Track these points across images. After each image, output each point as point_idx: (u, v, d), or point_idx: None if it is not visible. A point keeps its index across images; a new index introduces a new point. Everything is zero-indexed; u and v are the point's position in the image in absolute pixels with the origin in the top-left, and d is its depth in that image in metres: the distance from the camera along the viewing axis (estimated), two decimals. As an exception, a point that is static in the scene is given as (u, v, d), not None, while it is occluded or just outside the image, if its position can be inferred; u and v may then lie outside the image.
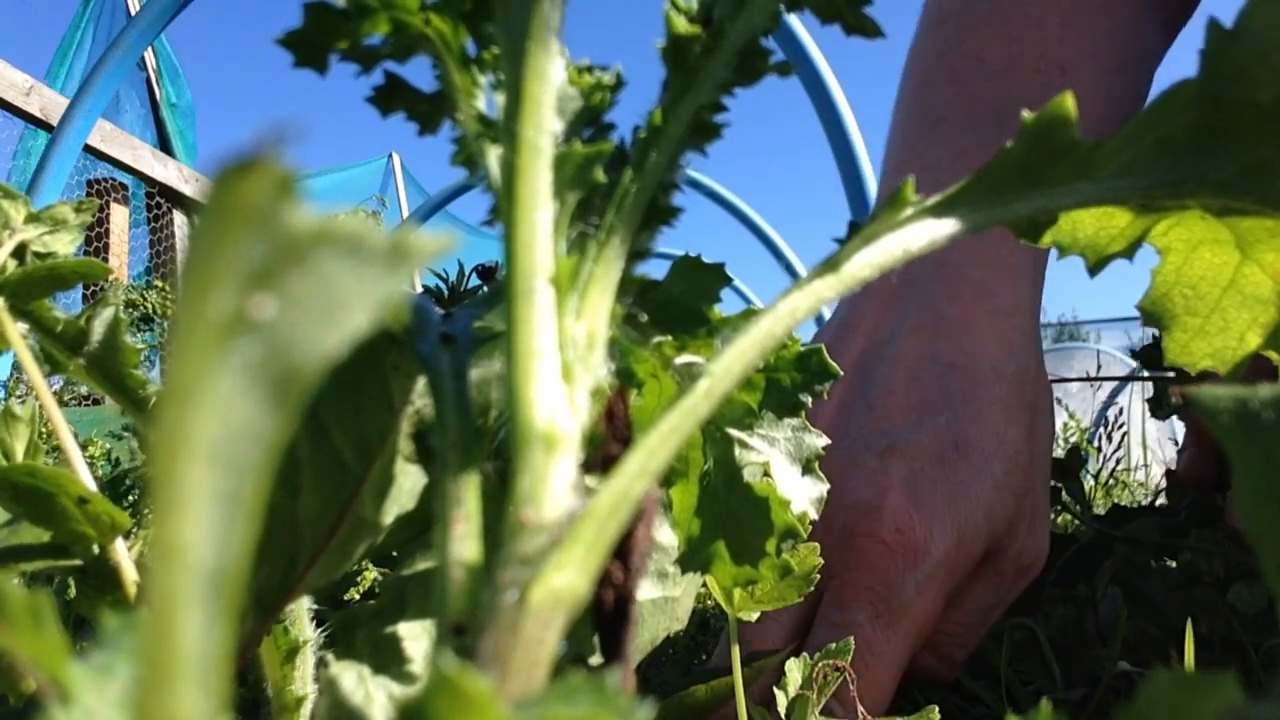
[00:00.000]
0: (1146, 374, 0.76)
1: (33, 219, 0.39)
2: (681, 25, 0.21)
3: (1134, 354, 0.77)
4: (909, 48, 0.72)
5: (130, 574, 0.33)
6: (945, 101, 0.63)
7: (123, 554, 0.33)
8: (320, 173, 5.93)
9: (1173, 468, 0.76)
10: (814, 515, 0.29)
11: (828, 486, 0.30)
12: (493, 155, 0.20)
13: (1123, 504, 0.78)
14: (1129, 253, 0.24)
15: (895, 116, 0.69)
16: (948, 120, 0.61)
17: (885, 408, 0.52)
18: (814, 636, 0.48)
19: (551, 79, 0.19)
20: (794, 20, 1.81)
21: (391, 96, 0.23)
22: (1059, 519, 1.02)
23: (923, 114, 0.64)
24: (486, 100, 0.21)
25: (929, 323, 0.54)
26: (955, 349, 0.53)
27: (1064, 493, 0.75)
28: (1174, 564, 0.69)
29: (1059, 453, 0.75)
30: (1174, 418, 0.82)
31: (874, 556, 0.47)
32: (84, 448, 1.54)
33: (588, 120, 0.21)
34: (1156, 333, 0.75)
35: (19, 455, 0.35)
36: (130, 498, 0.76)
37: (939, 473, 0.49)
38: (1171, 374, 0.77)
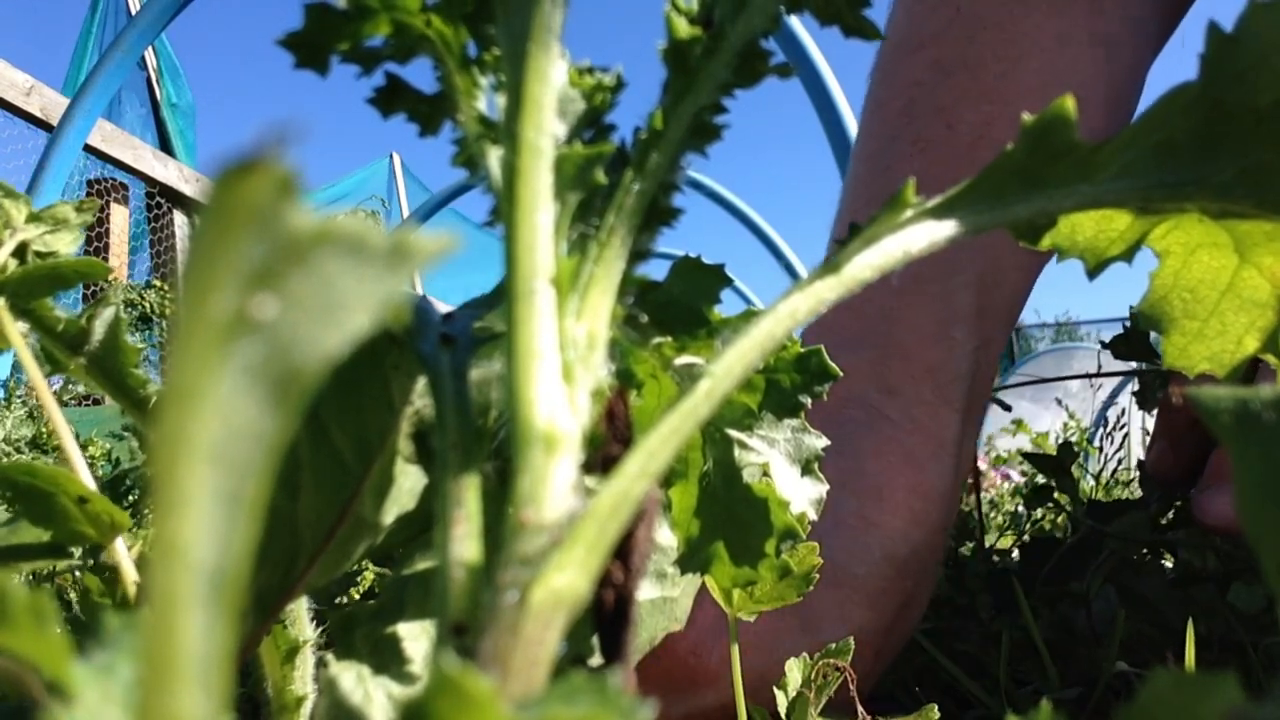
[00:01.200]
0: (1145, 369, 0.76)
1: (34, 218, 0.39)
2: (682, 27, 0.21)
3: (1104, 344, 0.76)
4: (880, 47, 0.66)
5: (130, 573, 0.33)
6: (906, 177, 0.58)
7: (122, 554, 0.33)
8: (326, 186, 5.94)
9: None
10: (813, 516, 0.29)
11: (827, 487, 0.30)
12: (494, 156, 0.20)
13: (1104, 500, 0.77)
14: (1128, 256, 0.24)
15: (858, 155, 0.64)
16: None
17: None
18: None
19: (552, 80, 0.19)
20: (794, 21, 1.81)
21: (392, 98, 0.23)
22: (1057, 519, 1.02)
23: (885, 183, 0.60)
24: (487, 101, 0.21)
25: (846, 471, 0.51)
26: (857, 510, 0.50)
27: (1056, 490, 0.75)
28: (1168, 559, 0.69)
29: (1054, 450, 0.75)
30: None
31: (659, 668, 0.45)
32: (84, 448, 1.54)
33: (589, 121, 0.21)
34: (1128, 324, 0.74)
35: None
36: (130, 498, 0.76)
37: (767, 620, 0.44)
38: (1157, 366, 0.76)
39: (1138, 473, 0.71)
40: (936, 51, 0.61)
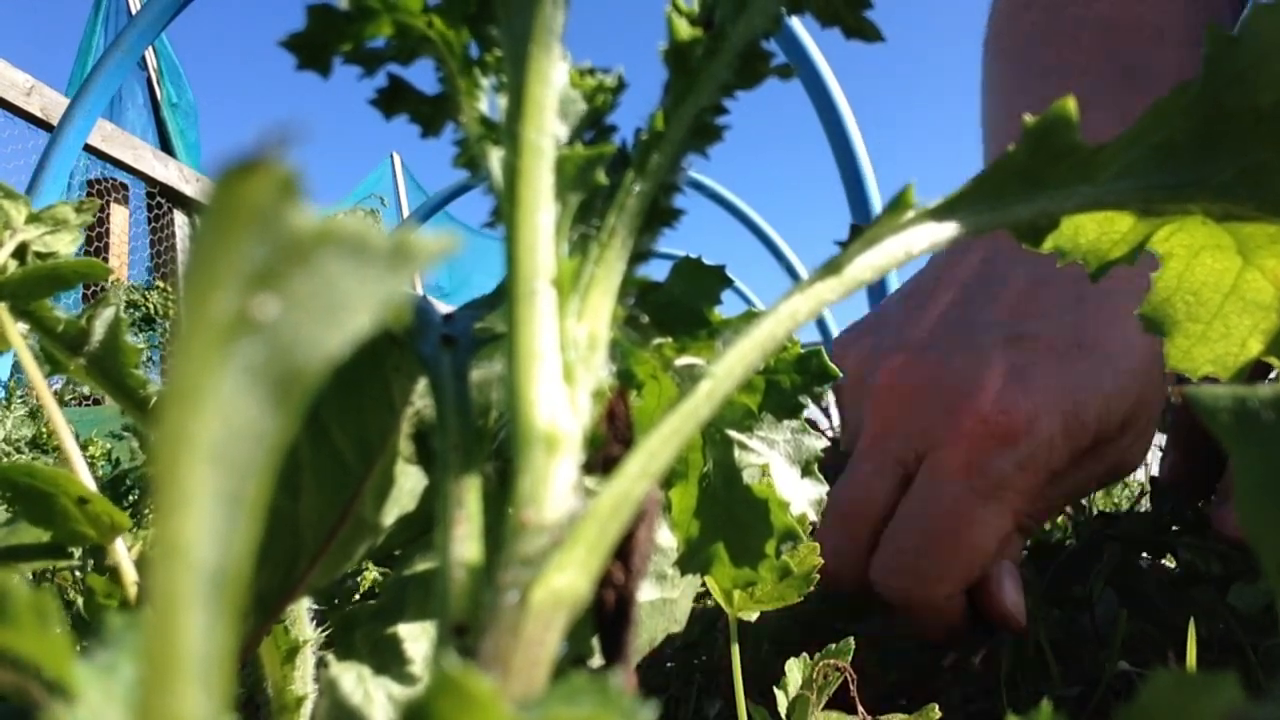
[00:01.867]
0: None
1: (34, 219, 0.39)
2: (683, 28, 0.21)
3: None
4: (989, 19, 0.72)
5: (130, 574, 0.33)
6: (1051, 82, 0.63)
7: (122, 554, 0.33)
8: (345, 198, 5.98)
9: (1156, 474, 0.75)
10: (813, 517, 0.29)
11: (826, 488, 0.30)
12: (495, 157, 0.20)
13: (1109, 510, 0.77)
14: (1130, 258, 0.24)
15: (992, 112, 0.69)
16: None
17: (1009, 302, 0.53)
18: (910, 500, 0.51)
19: (553, 81, 0.19)
20: (795, 22, 1.81)
21: (394, 99, 0.23)
22: (1057, 520, 1.02)
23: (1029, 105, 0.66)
24: (489, 102, 0.21)
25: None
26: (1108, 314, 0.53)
27: None
28: (1169, 563, 0.69)
29: None
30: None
31: (973, 433, 0.49)
32: (84, 448, 1.54)
33: (590, 122, 0.21)
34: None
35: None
36: (131, 498, 0.76)
37: (1055, 365, 0.50)
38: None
39: (1148, 486, 0.71)
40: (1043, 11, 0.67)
